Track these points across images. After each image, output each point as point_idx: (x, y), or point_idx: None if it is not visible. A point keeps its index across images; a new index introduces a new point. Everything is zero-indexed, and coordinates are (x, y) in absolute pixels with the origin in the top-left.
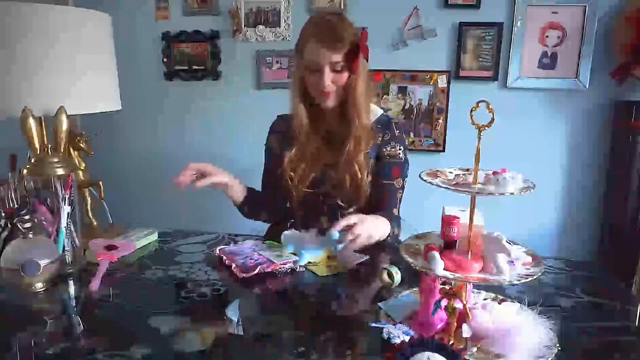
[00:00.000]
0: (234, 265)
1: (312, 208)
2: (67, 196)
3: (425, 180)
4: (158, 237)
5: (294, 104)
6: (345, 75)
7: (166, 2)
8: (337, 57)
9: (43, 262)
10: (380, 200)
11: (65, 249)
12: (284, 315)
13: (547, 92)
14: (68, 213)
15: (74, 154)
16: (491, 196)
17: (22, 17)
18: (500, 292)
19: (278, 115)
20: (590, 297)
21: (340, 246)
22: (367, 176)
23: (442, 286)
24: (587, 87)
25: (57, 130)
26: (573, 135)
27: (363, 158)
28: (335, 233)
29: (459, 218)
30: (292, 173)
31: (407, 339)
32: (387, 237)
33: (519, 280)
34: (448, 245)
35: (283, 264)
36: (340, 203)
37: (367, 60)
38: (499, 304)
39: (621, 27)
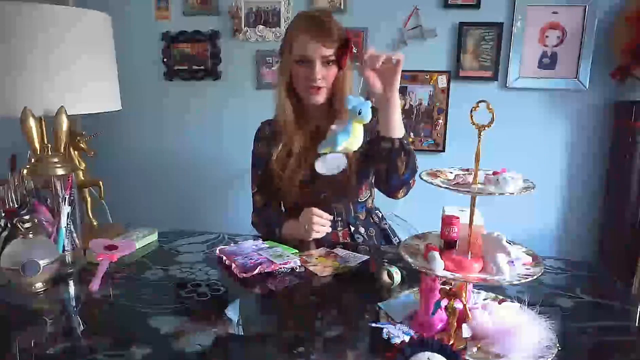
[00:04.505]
0: (234, 265)
1: (305, 207)
2: (67, 196)
3: (425, 180)
4: (158, 237)
5: (280, 99)
6: (334, 70)
7: (166, 2)
8: (328, 51)
9: (43, 262)
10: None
11: (65, 249)
12: (284, 315)
13: (547, 92)
14: (68, 213)
15: (74, 154)
16: (491, 196)
17: (22, 17)
18: (500, 292)
19: (262, 122)
20: (590, 297)
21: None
22: (358, 170)
23: (442, 286)
24: (587, 87)
25: (57, 130)
26: (573, 135)
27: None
28: (351, 98)
29: (459, 218)
30: (281, 172)
31: (407, 339)
32: (402, 139)
33: (519, 280)
34: (448, 245)
35: (283, 264)
36: (333, 198)
37: (352, 60)
38: (499, 304)
39: (621, 27)
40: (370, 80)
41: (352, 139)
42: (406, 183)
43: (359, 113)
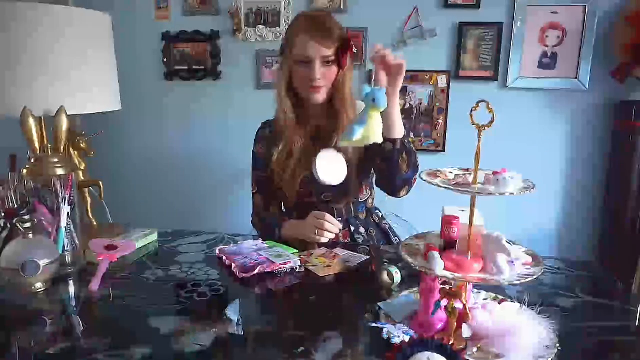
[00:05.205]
0: (234, 265)
1: (306, 208)
2: (67, 196)
3: (425, 180)
4: (158, 237)
5: (280, 99)
6: (334, 70)
7: (166, 2)
8: (328, 52)
9: (43, 262)
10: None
11: (65, 249)
12: (284, 315)
13: (547, 92)
14: (68, 213)
15: (74, 154)
16: (491, 196)
17: (22, 17)
18: (500, 292)
19: (262, 122)
20: (590, 297)
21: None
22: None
23: (442, 286)
24: (587, 87)
25: (57, 130)
26: (573, 135)
27: (351, 151)
28: (366, 87)
29: (459, 218)
30: (282, 172)
31: (407, 339)
32: (403, 138)
33: (519, 280)
34: (448, 245)
35: (283, 264)
36: (332, 199)
37: (352, 60)
38: (499, 304)
39: (621, 27)
40: (380, 75)
41: (369, 127)
42: (408, 181)
43: (373, 100)
